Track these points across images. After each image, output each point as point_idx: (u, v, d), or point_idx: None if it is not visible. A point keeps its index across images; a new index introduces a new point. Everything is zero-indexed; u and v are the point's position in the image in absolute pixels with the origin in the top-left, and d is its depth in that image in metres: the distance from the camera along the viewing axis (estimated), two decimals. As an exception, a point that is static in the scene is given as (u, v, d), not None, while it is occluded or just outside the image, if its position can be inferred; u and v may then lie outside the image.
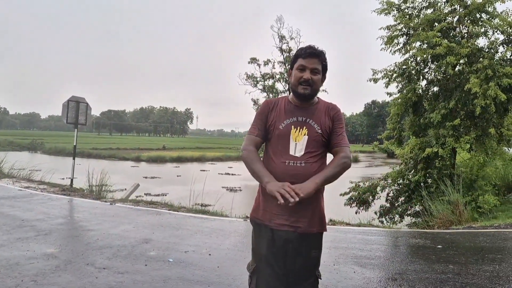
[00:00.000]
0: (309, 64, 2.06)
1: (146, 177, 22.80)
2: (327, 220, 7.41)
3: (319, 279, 2.12)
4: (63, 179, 13.59)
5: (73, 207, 7.96)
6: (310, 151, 2.03)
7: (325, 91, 31.41)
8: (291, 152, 2.02)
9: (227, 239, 5.43)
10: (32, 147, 46.07)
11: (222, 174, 26.84)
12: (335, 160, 2.07)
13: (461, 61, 11.21)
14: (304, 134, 2.04)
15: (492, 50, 10.96)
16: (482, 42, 11.49)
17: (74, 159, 11.15)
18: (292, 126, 2.06)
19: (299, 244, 2.00)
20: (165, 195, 14.31)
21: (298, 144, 2.03)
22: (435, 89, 12.26)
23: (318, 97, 2.20)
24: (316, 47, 2.12)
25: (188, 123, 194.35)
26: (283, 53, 31.43)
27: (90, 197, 9.10)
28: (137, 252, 4.63)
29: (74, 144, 11.27)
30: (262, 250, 2.04)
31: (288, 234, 1.98)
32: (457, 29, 11.85)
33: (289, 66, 2.19)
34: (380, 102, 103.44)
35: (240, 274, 3.74)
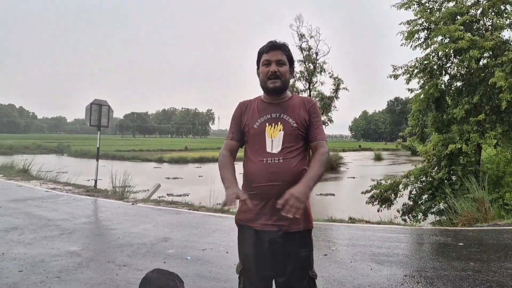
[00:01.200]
0: (272, 57, 2.05)
1: (168, 178, 23.14)
2: (346, 219, 7.34)
3: (315, 279, 2.03)
4: (88, 180, 13.95)
5: (96, 207, 8.18)
6: (287, 146, 1.99)
7: (346, 89, 31.17)
8: (268, 149, 1.99)
9: (245, 237, 5.46)
10: (59, 150, 47.45)
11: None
12: (317, 157, 1.99)
13: (485, 55, 10.91)
14: (280, 130, 2.01)
15: (517, 42, 10.61)
16: (507, 34, 11.18)
17: (97, 160, 11.45)
18: (267, 124, 2.04)
19: (285, 243, 1.95)
20: (187, 195, 14.50)
21: (274, 140, 2.00)
22: (458, 84, 11.97)
23: (291, 93, 2.17)
24: (277, 40, 2.11)
25: (210, 124, 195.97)
26: (303, 51, 31.31)
27: (113, 198, 9.32)
28: (156, 250, 4.73)
29: (98, 146, 11.56)
30: (247, 251, 2.02)
31: (272, 234, 1.94)
32: (481, 22, 11.53)
33: (256, 65, 2.16)
34: (404, 99, 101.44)
35: (256, 271, 3.77)
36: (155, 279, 1.66)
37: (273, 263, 1.97)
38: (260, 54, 2.11)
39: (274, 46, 2.07)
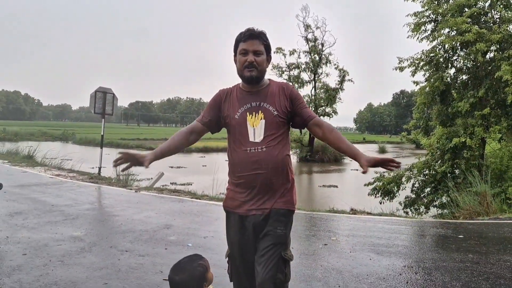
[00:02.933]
0: (250, 46, 2.04)
1: (172, 167, 23.25)
2: (347, 210, 7.36)
3: (288, 261, 1.99)
4: (92, 168, 14.04)
5: (100, 194, 8.26)
6: (269, 134, 2.01)
7: (351, 81, 30.99)
8: (251, 139, 2.01)
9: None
10: (64, 137, 47.69)
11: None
12: (335, 131, 2.06)
13: (492, 48, 10.82)
14: (261, 119, 2.03)
15: (526, 36, 10.48)
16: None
17: (101, 148, 11.53)
18: (247, 113, 2.05)
19: (265, 223, 2.00)
20: (190, 185, 14.57)
21: (256, 129, 2.02)
22: (464, 77, 11.90)
23: (269, 79, 2.18)
24: (255, 28, 2.09)
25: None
26: (309, 42, 31.13)
27: (117, 185, 9.39)
28: (158, 237, 4.79)
29: (102, 133, 11.63)
30: (233, 236, 2.09)
31: (256, 218, 2.00)
32: (489, 15, 11.41)
33: (234, 52, 2.14)
34: (409, 92, 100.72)
35: (256, 259, 3.82)
36: (188, 268, 1.78)
37: (255, 246, 2.03)
38: (237, 42, 2.10)
39: (252, 35, 2.05)
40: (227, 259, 2.17)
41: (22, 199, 6.85)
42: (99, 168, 11.18)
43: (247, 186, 2.01)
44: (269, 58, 2.13)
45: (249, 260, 2.03)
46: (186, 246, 4.43)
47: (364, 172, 1.92)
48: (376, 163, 1.93)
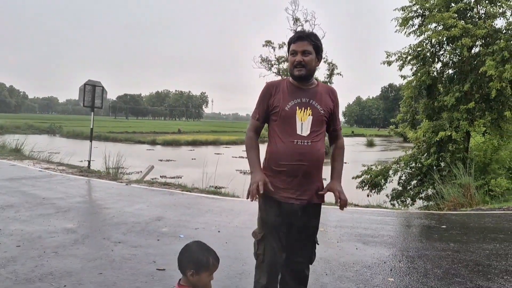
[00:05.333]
0: (299, 47, 2.21)
1: (161, 160, 23.23)
2: (335, 203, 7.55)
3: (316, 244, 2.37)
4: (81, 161, 14.00)
5: (90, 187, 8.28)
6: (314, 130, 2.19)
7: (340, 75, 31.17)
8: (298, 132, 2.17)
9: (237, 218, 5.62)
10: (51, 130, 47.14)
11: (236, 157, 27.08)
12: (341, 152, 2.42)
13: (477, 43, 11.03)
14: (309, 115, 2.20)
15: (509, 31, 10.71)
16: (499, 23, 11.27)
17: (91, 141, 11.48)
18: (297, 107, 2.20)
19: (302, 214, 2.21)
20: (180, 178, 14.62)
21: (304, 124, 2.18)
22: (450, 71, 12.11)
23: (317, 80, 2.36)
24: (305, 30, 2.31)
25: (203, 107, 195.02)
26: (298, 36, 31.12)
27: (107, 179, 9.41)
28: (150, 229, 4.87)
29: (91, 127, 11.57)
30: (271, 218, 2.23)
31: (293, 207, 2.18)
32: (474, 10, 11.59)
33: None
34: (398, 86, 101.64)
35: (247, 249, 3.91)
36: (192, 250, 1.84)
37: (288, 232, 2.24)
38: (289, 43, 2.28)
39: (300, 37, 2.22)
40: (256, 240, 2.29)
41: (12, 192, 6.86)
42: (89, 162, 11.16)
43: (289, 175, 2.18)
44: (319, 58, 2.28)
45: (282, 239, 2.23)
46: (178, 237, 4.53)
47: (320, 193, 2.30)
48: (332, 192, 2.31)
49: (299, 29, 29.94)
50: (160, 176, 14.43)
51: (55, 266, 3.48)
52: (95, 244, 4.18)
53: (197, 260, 1.79)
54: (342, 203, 2.26)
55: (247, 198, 2.17)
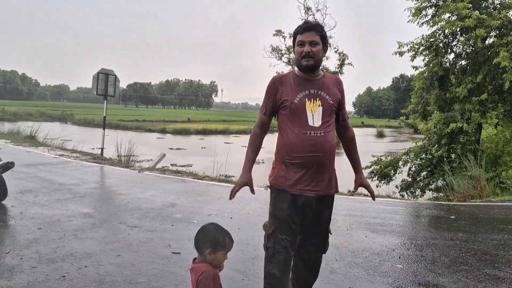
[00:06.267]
0: (306, 38, 2.20)
1: (171, 149, 23.46)
2: (346, 192, 7.60)
3: (329, 234, 2.41)
4: (93, 149, 14.23)
5: (104, 174, 8.47)
6: (326, 121, 2.19)
7: (351, 65, 30.93)
8: (310, 123, 2.16)
9: (248, 205, 5.74)
10: (63, 118, 47.70)
11: (245, 146, 27.14)
12: (354, 143, 2.46)
13: (492, 34, 10.90)
14: (319, 106, 2.19)
15: (525, 22, 10.56)
16: (515, 14, 11.07)
17: (104, 129, 11.67)
18: (306, 99, 2.20)
19: (316, 205, 2.22)
20: (190, 166, 14.78)
21: (314, 115, 2.18)
22: (463, 62, 12.00)
23: (323, 71, 2.36)
24: (311, 21, 2.32)
25: (213, 96, 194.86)
26: (309, 25, 30.84)
27: (119, 166, 9.60)
28: (164, 214, 5.02)
29: (104, 115, 11.75)
30: (283, 212, 2.20)
31: (309, 199, 2.18)
32: (489, 0, 11.43)
33: (293, 45, 2.32)
34: (409, 76, 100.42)
35: (258, 235, 4.05)
36: (209, 230, 1.94)
37: (302, 223, 2.25)
38: (295, 34, 2.27)
39: (307, 28, 2.22)
40: (267, 233, 2.25)
41: (30, 177, 7.06)
42: (102, 149, 11.36)
43: (304, 167, 2.17)
44: (325, 48, 2.29)
45: (294, 234, 2.23)
46: (192, 223, 4.66)
47: (354, 190, 2.50)
48: (364, 187, 2.44)
49: (310, 18, 29.70)
50: (171, 164, 14.62)
51: (76, 248, 3.63)
52: (112, 228, 4.33)
53: (214, 239, 1.91)
54: (372, 195, 2.43)
55: (231, 195, 2.26)
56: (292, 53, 31.26)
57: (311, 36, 2.20)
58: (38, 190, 6.06)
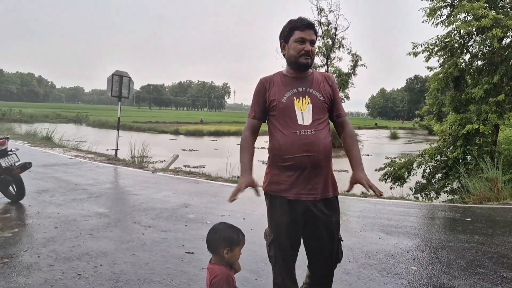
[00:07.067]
0: (307, 36, 2.11)
1: (184, 150, 23.59)
2: (358, 193, 7.55)
3: (341, 241, 2.21)
4: (107, 150, 14.40)
5: (118, 174, 8.57)
6: (317, 119, 2.09)
7: (364, 66, 30.73)
8: (300, 122, 2.05)
9: (260, 206, 5.72)
10: (78, 119, 48.38)
11: (258, 148, 26.72)
12: (353, 139, 2.22)
13: (509, 34, 10.70)
14: (308, 103, 2.09)
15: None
16: (532, 13, 10.85)
17: (118, 130, 11.81)
18: (294, 97, 2.10)
19: (317, 210, 2.07)
20: (203, 167, 14.85)
21: (304, 113, 2.07)
22: (479, 63, 11.80)
23: (311, 68, 2.25)
24: (308, 18, 2.16)
25: (226, 98, 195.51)
26: (322, 26, 30.78)
27: (133, 167, 9.71)
28: (177, 214, 5.06)
29: (118, 116, 11.89)
30: (280, 221, 2.10)
31: (306, 203, 2.05)
32: (506, 0, 11.24)
33: (282, 38, 2.19)
34: (424, 77, 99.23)
35: (271, 236, 4.05)
36: (222, 230, 1.94)
37: (303, 230, 2.13)
38: (293, 29, 2.14)
39: (309, 25, 2.12)
40: (268, 243, 2.18)
41: (47, 178, 7.20)
42: (116, 150, 11.50)
43: (297, 168, 2.05)
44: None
45: (295, 242, 2.14)
46: (205, 223, 4.69)
47: (347, 191, 2.21)
48: (360, 183, 2.12)
49: (323, 20, 29.57)
50: (184, 166, 14.70)
51: (91, 247, 3.69)
52: (126, 228, 4.39)
53: (229, 237, 1.91)
54: (374, 189, 2.05)
55: (231, 198, 2.02)
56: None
57: (312, 35, 2.12)
58: (55, 190, 6.17)
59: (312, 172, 2.05)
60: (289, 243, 2.12)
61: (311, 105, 2.10)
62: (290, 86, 2.14)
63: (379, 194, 2.07)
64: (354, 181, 2.13)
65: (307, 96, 2.11)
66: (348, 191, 2.22)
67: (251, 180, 2.06)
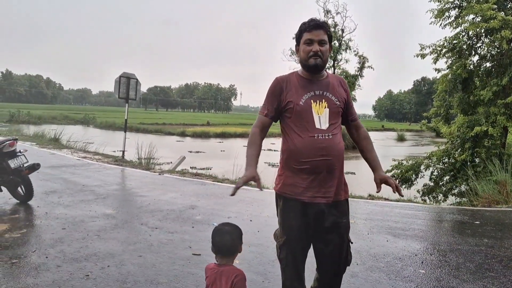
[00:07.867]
0: (315, 36, 2.08)
1: (191, 152, 23.63)
2: (366, 196, 7.51)
3: (350, 243, 2.20)
4: (114, 151, 14.47)
5: (125, 176, 8.61)
6: (333, 123, 2.09)
7: (371, 68, 30.64)
8: (317, 126, 2.05)
9: (267, 208, 5.73)
10: (85, 121, 48.71)
11: (264, 150, 27.06)
12: (369, 141, 2.30)
13: (518, 35, 10.60)
14: (325, 107, 2.09)
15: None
16: (542, 14, 10.74)
17: (125, 132, 11.87)
18: (312, 101, 2.09)
19: (329, 212, 2.07)
20: (210, 169, 14.87)
21: (321, 117, 2.07)
22: (488, 65, 11.70)
23: (326, 71, 2.24)
24: (319, 18, 2.17)
25: (232, 99, 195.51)
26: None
27: (140, 168, 9.75)
28: (184, 216, 5.06)
29: (125, 118, 11.95)
30: (293, 223, 2.09)
31: (320, 206, 2.05)
32: (515, 0, 11.14)
33: (296, 42, 2.19)
34: (431, 79, 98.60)
35: (278, 238, 4.04)
36: (232, 230, 1.97)
37: (314, 233, 2.11)
38: (302, 31, 2.14)
39: (317, 26, 2.10)
40: (279, 245, 2.17)
41: (55, 179, 7.25)
42: (123, 151, 11.56)
43: (313, 172, 2.04)
44: (330, 47, 2.18)
45: (306, 244, 2.15)
46: (212, 225, 4.69)
47: (377, 191, 2.24)
48: (386, 183, 2.19)
49: (330, 21, 29.55)
50: (191, 167, 14.72)
51: (98, 248, 3.71)
52: (133, 229, 4.40)
53: (240, 234, 1.97)
54: (399, 189, 2.15)
55: (234, 190, 1.98)
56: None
57: (320, 35, 2.09)
58: (62, 191, 6.21)
59: (327, 176, 2.06)
60: (300, 245, 2.12)
61: (327, 109, 2.10)
62: (308, 89, 2.13)
63: (401, 195, 2.20)
64: (381, 181, 2.20)
65: (324, 100, 2.12)
66: (378, 191, 2.25)
67: (254, 172, 2.04)
